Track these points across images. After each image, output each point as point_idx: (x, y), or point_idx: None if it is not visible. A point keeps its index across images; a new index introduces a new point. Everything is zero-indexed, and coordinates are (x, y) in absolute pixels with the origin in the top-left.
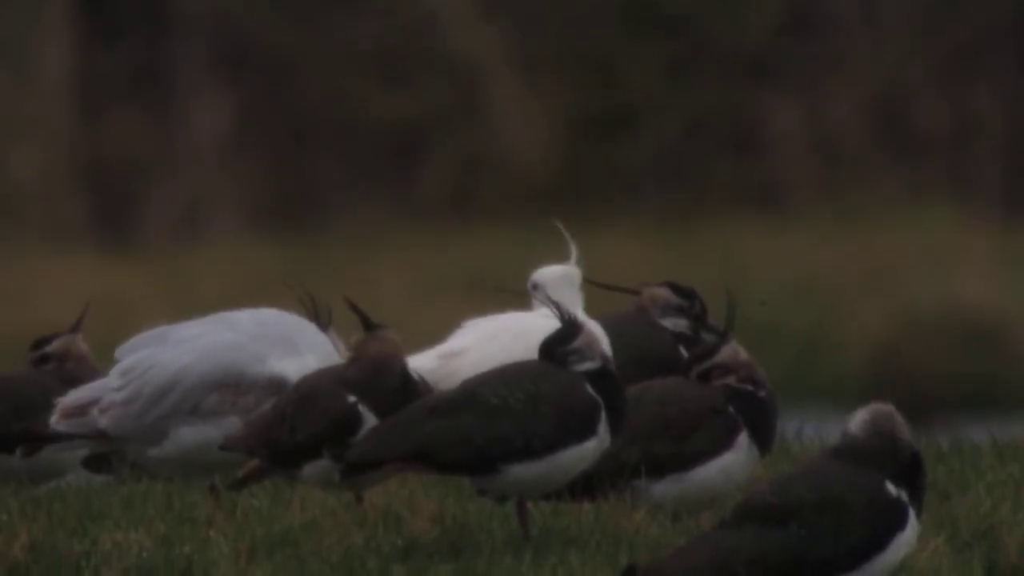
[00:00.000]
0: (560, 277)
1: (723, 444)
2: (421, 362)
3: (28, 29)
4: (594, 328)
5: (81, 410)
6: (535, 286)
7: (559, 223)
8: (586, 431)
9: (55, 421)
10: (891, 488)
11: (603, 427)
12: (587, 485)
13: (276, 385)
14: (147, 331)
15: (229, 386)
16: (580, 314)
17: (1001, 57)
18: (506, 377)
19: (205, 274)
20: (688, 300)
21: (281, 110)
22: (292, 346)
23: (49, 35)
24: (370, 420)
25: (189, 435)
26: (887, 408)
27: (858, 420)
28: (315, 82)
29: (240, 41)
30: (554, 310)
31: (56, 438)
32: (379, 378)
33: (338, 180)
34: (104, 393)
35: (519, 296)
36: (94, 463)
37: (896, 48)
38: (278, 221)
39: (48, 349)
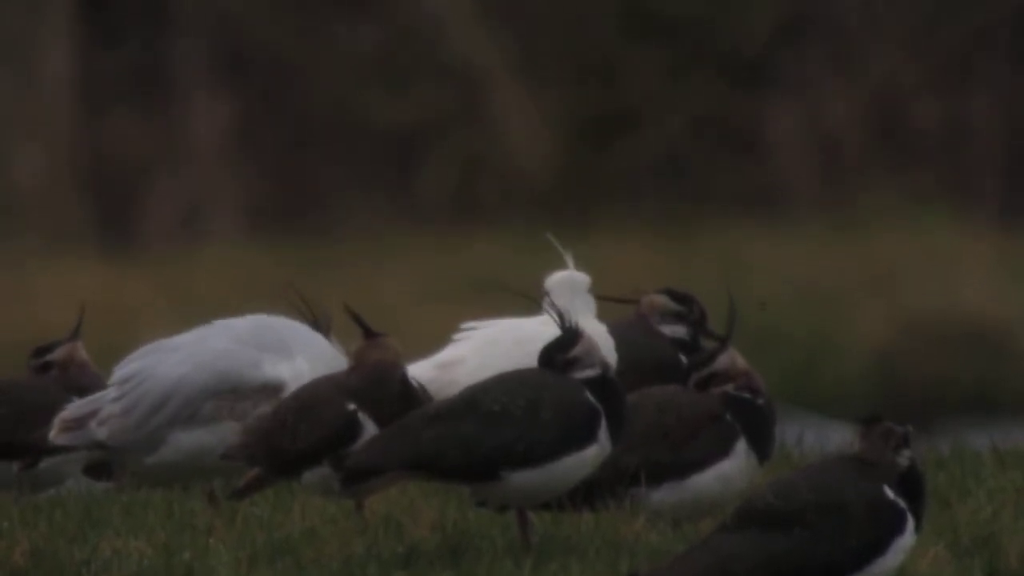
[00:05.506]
0: (566, 283)
1: (721, 451)
2: (419, 372)
3: (30, 30)
4: (599, 334)
5: (79, 423)
6: (545, 293)
7: (551, 237)
8: (586, 438)
9: (54, 435)
10: (890, 493)
11: (603, 434)
12: (587, 493)
13: (272, 390)
14: (144, 346)
15: (226, 393)
16: (588, 320)
17: (998, 62)
18: (506, 384)
19: (205, 276)
20: (686, 306)
21: (282, 113)
22: (285, 349)
23: (50, 36)
24: (370, 428)
25: (187, 441)
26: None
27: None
28: (316, 85)
29: (241, 43)
30: (555, 316)
31: (55, 450)
32: (379, 386)
33: (339, 183)
34: (101, 404)
35: (526, 299)
36: (95, 470)
37: (894, 53)
38: (278, 224)
39: (50, 357)
